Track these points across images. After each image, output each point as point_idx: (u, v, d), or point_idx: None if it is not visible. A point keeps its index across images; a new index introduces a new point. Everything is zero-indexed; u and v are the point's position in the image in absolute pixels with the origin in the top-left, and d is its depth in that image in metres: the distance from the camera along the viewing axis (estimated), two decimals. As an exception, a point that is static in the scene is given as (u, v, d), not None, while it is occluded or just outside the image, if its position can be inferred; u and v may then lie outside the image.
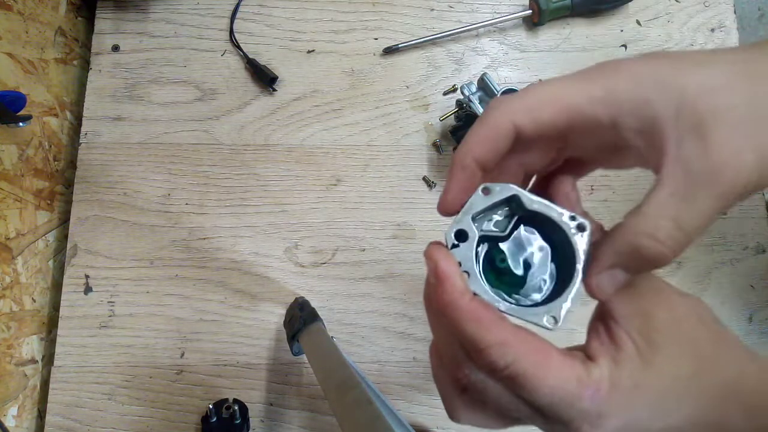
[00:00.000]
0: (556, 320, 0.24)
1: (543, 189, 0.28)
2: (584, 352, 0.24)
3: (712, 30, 0.66)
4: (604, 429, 0.23)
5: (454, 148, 0.59)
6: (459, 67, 0.63)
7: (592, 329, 0.25)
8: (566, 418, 0.23)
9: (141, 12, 0.63)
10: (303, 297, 0.55)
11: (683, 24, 0.66)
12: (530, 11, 0.63)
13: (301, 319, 0.50)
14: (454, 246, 0.25)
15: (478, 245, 0.25)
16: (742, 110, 0.22)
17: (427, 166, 0.60)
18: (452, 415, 0.26)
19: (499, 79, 0.63)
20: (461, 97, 0.57)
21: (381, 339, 0.56)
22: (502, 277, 0.25)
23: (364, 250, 0.58)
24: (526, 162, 0.27)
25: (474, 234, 0.25)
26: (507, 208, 0.26)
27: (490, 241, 0.26)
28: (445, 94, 0.62)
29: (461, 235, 0.25)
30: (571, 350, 0.25)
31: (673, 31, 0.65)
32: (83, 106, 0.60)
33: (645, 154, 0.24)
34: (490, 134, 0.24)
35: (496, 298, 0.24)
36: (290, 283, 0.57)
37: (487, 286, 0.24)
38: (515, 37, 0.64)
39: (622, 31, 0.65)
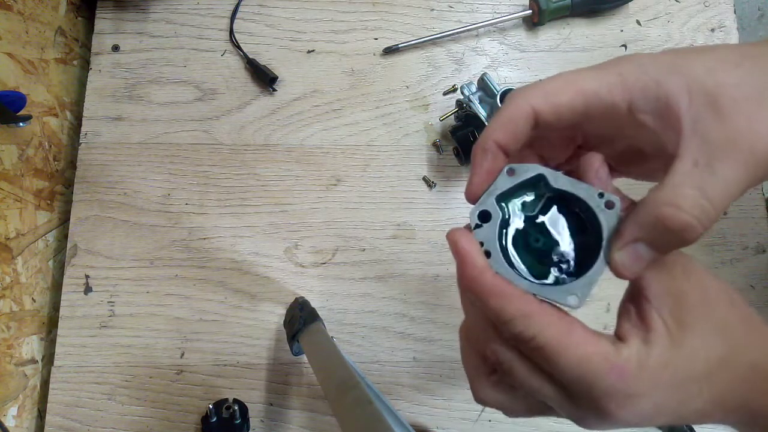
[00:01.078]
0: (578, 299, 0.24)
1: (571, 168, 0.28)
2: (615, 334, 0.24)
3: (712, 30, 0.66)
4: (631, 410, 0.22)
5: (455, 148, 0.59)
6: (459, 67, 0.63)
7: (623, 310, 0.25)
8: (592, 397, 0.22)
9: (141, 12, 0.63)
10: (303, 297, 0.55)
11: (683, 24, 0.66)
12: (530, 11, 0.63)
13: (301, 319, 0.50)
14: (478, 226, 0.25)
15: (505, 226, 0.25)
16: (748, 85, 0.22)
17: (427, 166, 0.60)
18: (478, 395, 0.26)
19: (499, 79, 0.63)
20: (461, 97, 0.57)
21: (381, 339, 0.56)
22: (531, 256, 0.25)
23: (364, 250, 0.58)
24: (546, 154, 0.28)
25: (497, 215, 0.25)
26: (536, 189, 0.26)
27: (521, 221, 0.26)
28: (445, 94, 0.62)
29: (485, 216, 0.25)
30: (606, 334, 0.24)
31: (673, 31, 0.65)
32: (83, 106, 0.60)
33: (662, 136, 0.24)
34: (510, 118, 0.25)
35: (518, 276, 0.24)
36: (290, 283, 0.57)
37: (512, 264, 0.24)
38: (515, 37, 0.64)
39: (622, 31, 0.65)
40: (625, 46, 0.65)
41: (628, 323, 0.24)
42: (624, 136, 0.26)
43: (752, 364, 0.24)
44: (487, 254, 0.24)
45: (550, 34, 0.65)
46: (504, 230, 0.25)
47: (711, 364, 0.23)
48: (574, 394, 0.23)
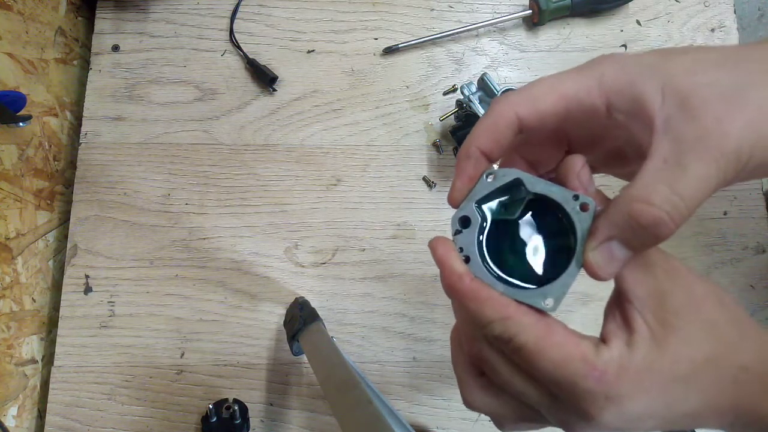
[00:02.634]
0: (554, 301, 0.24)
1: (553, 170, 0.29)
2: (600, 336, 0.24)
3: (712, 30, 0.66)
4: (614, 413, 0.22)
5: (454, 148, 0.59)
6: (459, 67, 0.63)
7: (608, 312, 0.25)
8: (574, 398, 0.22)
9: (141, 12, 0.63)
10: (303, 297, 0.55)
11: (683, 24, 0.66)
12: (530, 11, 0.63)
13: (301, 319, 0.50)
14: (458, 232, 0.26)
15: (484, 230, 0.26)
16: (722, 86, 0.23)
17: (427, 166, 0.60)
18: (467, 399, 0.27)
19: (499, 79, 0.63)
20: (461, 97, 0.57)
21: (381, 339, 0.56)
22: (509, 259, 0.26)
23: (364, 250, 0.58)
24: (531, 158, 0.28)
25: (477, 220, 0.25)
26: (515, 193, 0.26)
27: (502, 224, 0.26)
28: (445, 94, 0.62)
29: (465, 222, 0.25)
30: (590, 336, 0.24)
31: (673, 31, 0.65)
32: (83, 106, 0.60)
33: (637, 136, 0.24)
34: (494, 124, 0.25)
35: (495, 281, 0.25)
36: (290, 283, 0.57)
37: (489, 269, 0.25)
38: (515, 37, 0.64)
39: (622, 31, 0.65)
40: (625, 46, 0.65)
41: (612, 325, 0.24)
42: (607, 138, 0.27)
43: (743, 365, 0.24)
44: (467, 259, 0.25)
45: (550, 34, 0.65)
46: (483, 235, 0.26)
47: (697, 364, 0.23)
48: (557, 396, 0.23)
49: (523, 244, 0.26)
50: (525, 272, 0.25)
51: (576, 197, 0.25)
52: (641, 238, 0.23)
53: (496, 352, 0.24)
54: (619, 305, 0.25)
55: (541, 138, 0.27)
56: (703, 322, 0.24)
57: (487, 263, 0.25)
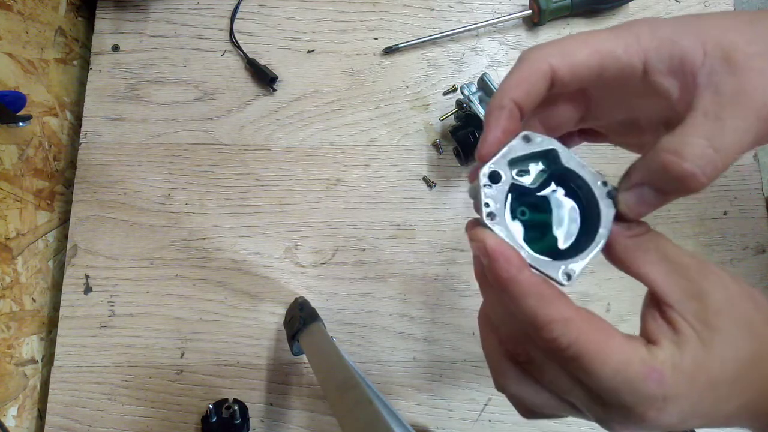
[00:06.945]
0: (569, 277, 0.23)
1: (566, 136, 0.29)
2: (643, 336, 0.24)
3: (712, 30, 0.66)
4: (669, 414, 0.22)
5: (455, 148, 0.59)
6: (459, 67, 0.63)
7: (647, 315, 0.24)
8: (629, 403, 0.22)
9: (141, 12, 0.63)
10: (303, 297, 0.55)
11: (683, 24, 0.66)
12: (530, 11, 0.63)
13: (301, 319, 0.50)
14: (486, 186, 0.24)
15: (507, 193, 0.25)
16: (761, 42, 0.23)
17: (427, 166, 0.60)
18: (500, 385, 0.25)
19: (499, 79, 0.63)
20: (461, 97, 0.57)
21: (381, 339, 0.56)
22: (526, 229, 0.25)
23: (364, 250, 0.58)
24: (550, 122, 0.27)
25: (507, 178, 0.24)
26: (540, 162, 0.25)
27: (520, 192, 0.25)
28: (445, 94, 0.62)
29: (494, 177, 0.24)
30: (633, 335, 0.24)
31: (673, 31, 0.65)
32: (83, 106, 0.60)
33: (674, 96, 0.24)
34: (528, 75, 0.24)
35: (520, 244, 0.23)
36: (290, 283, 0.57)
37: (510, 232, 0.24)
38: (515, 37, 0.64)
39: (622, 31, 0.65)
40: (625, 46, 0.65)
41: (653, 325, 0.23)
42: (627, 105, 0.26)
43: None
44: (491, 216, 0.24)
45: (550, 34, 0.65)
46: (507, 196, 0.25)
47: (742, 364, 0.23)
48: (608, 402, 0.22)
49: (538, 214, 0.25)
50: (536, 242, 0.25)
51: (604, 183, 0.25)
52: (672, 187, 0.23)
53: (546, 353, 0.23)
54: (657, 308, 0.24)
55: (560, 101, 0.27)
56: (742, 321, 0.23)
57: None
